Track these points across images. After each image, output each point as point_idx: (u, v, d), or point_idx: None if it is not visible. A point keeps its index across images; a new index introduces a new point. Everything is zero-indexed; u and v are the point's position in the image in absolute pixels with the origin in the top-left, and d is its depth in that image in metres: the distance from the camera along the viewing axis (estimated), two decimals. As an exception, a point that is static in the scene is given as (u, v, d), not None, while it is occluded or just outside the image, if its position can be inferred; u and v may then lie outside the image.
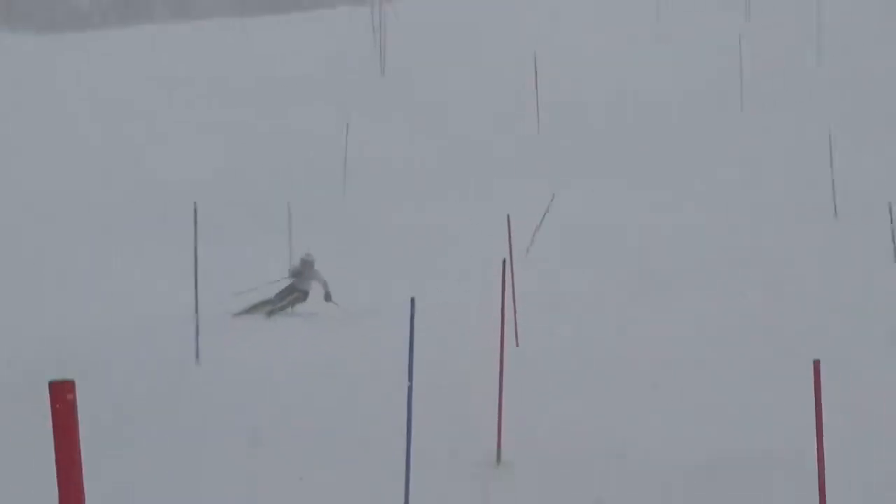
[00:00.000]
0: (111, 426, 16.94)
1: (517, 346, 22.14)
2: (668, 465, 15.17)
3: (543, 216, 33.65)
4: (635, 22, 66.32)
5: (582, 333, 23.14)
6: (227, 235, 33.24)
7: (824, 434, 11.00)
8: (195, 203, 23.30)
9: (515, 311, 22.05)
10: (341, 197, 42.79)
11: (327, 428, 17.45)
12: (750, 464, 14.99)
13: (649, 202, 37.09)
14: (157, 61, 64.16)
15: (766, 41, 59.59)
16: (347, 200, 42.36)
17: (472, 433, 16.45)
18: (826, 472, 11.06)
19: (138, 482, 14.66)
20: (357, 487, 14.60)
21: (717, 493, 14.33)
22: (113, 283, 31.47)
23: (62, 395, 4.70)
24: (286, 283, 29.14)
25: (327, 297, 28.46)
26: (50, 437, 4.74)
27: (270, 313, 28.55)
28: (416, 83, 57.01)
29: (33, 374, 17.37)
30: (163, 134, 51.46)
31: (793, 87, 53.61)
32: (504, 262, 18.78)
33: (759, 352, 21.25)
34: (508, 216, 25.01)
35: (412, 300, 13.27)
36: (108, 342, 23.98)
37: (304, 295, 29.17)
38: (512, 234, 24.96)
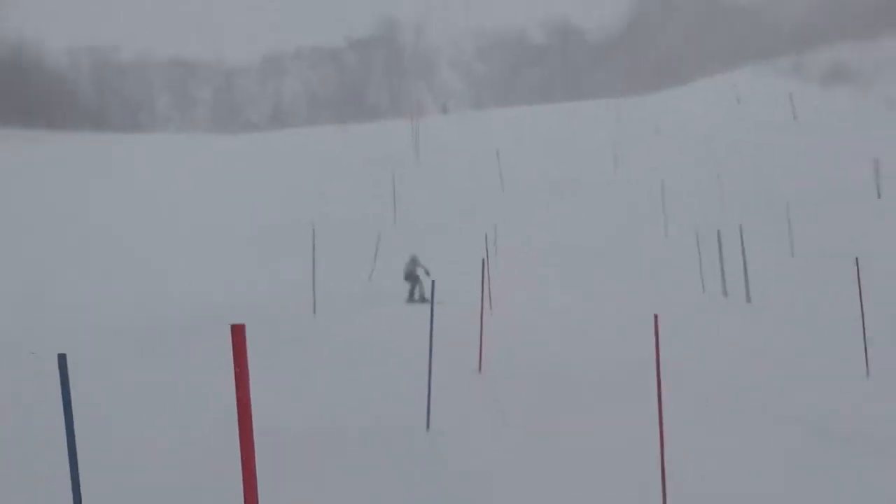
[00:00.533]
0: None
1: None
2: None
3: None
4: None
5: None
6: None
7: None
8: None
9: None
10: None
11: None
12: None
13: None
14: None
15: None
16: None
17: (464, 355, 23.18)
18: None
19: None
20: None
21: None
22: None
23: (239, 333, 5.24)
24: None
25: (426, 273, 36.55)
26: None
27: (418, 300, 36.45)
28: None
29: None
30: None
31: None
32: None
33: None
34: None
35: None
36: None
37: (418, 279, 36.95)
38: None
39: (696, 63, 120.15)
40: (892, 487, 14.27)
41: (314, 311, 31.43)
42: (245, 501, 5.09)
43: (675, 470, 12.63)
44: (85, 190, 59.55)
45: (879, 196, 52.71)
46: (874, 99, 79.31)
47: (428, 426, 17.45)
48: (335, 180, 62.48)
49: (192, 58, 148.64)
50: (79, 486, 7.22)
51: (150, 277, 38.51)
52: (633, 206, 53.83)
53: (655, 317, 12.67)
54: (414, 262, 36.97)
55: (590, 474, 14.47)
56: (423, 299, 35.58)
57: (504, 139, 73.66)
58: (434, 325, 18.67)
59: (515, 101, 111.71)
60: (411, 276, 36.81)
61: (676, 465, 12.75)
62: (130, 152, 74.05)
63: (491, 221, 47.38)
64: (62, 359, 6.93)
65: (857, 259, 25.64)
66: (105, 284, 37.19)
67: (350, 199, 55.18)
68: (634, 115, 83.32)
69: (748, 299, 34.35)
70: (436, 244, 43.44)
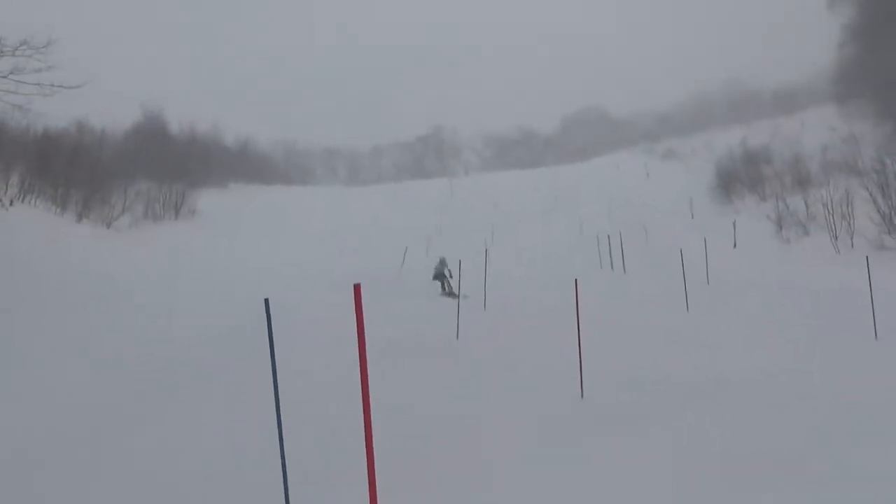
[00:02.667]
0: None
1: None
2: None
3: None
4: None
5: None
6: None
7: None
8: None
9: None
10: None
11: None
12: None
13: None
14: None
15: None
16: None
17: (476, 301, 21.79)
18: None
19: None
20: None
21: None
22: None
23: (358, 291, 4.75)
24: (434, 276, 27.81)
25: (450, 274, 27.33)
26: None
27: (448, 294, 26.22)
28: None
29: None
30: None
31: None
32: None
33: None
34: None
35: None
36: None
37: (445, 277, 27.32)
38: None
39: (595, 148, 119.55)
40: (700, 363, 14.18)
41: (399, 273, 31.21)
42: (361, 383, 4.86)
43: (586, 359, 12.53)
44: (280, 215, 59.81)
45: (693, 217, 52.42)
46: (687, 166, 79.08)
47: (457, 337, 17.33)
48: (409, 211, 62.62)
49: (335, 146, 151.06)
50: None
51: (314, 256, 38.34)
52: (563, 224, 53.70)
53: (576, 280, 12.67)
54: (442, 263, 28.05)
55: (536, 358, 14.67)
56: (451, 294, 26.29)
57: (497, 188, 73.89)
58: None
59: (503, 169, 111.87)
60: (440, 276, 27.65)
61: (586, 357, 12.62)
62: (301, 196, 74.58)
63: (489, 232, 47.44)
64: (266, 302, 6.49)
65: (681, 250, 25.57)
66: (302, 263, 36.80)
67: (416, 219, 55.14)
68: (564, 177, 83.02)
69: (624, 272, 34.15)
70: (459, 243, 43.12)
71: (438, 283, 27.81)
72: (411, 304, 23.73)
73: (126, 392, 12.50)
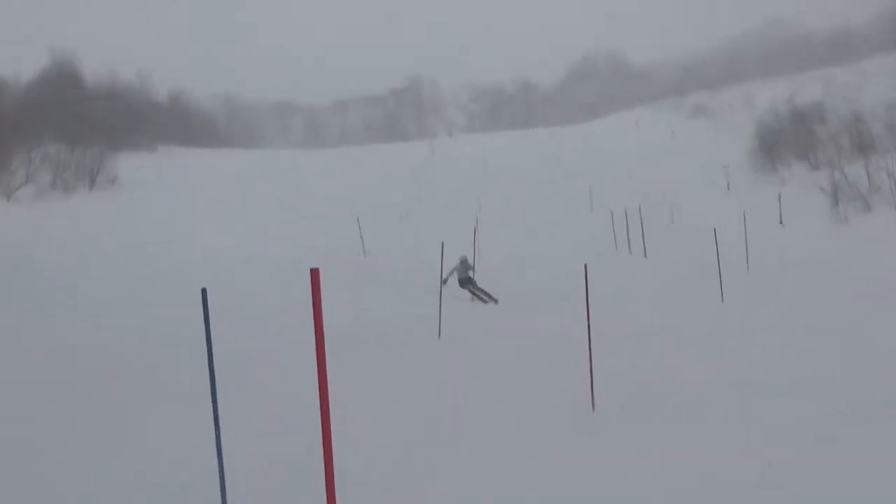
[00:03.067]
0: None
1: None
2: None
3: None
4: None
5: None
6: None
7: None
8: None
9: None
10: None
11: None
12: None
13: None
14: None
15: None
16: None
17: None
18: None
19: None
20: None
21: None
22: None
23: (316, 276, 4.87)
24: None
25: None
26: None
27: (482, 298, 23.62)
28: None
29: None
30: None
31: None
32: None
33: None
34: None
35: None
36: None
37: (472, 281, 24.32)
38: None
39: (609, 104, 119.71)
40: (737, 365, 14.21)
41: (364, 254, 31.17)
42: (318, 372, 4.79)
43: (598, 363, 12.49)
44: (223, 184, 59.54)
45: (728, 188, 52.55)
46: (720, 126, 79.39)
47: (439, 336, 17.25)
48: (381, 178, 62.49)
49: (288, 99, 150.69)
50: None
51: (265, 234, 38.12)
52: (569, 195, 53.75)
53: (585, 266, 12.62)
54: (465, 265, 25.15)
55: (535, 360, 14.68)
56: (484, 298, 24.37)
57: (487, 152, 73.86)
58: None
59: (494, 129, 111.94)
60: (466, 281, 24.88)
61: (598, 361, 12.57)
62: (249, 161, 74.32)
63: (477, 201, 47.46)
64: (204, 292, 6.53)
65: (714, 229, 25.59)
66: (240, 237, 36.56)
67: (391, 188, 55.02)
68: (569, 139, 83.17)
69: (645, 255, 34.21)
70: (443, 216, 43.06)
71: (465, 290, 24.91)
72: (382, 292, 23.67)
73: (37, 399, 12.39)
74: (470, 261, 25.58)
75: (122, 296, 22.24)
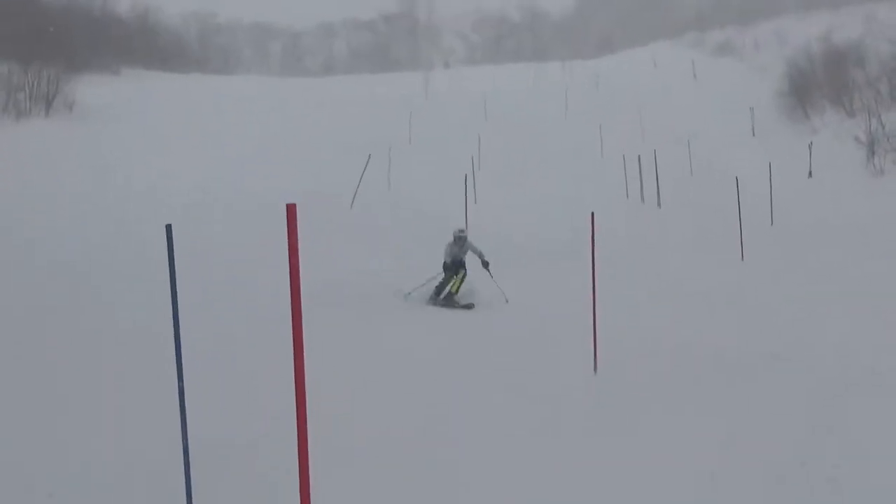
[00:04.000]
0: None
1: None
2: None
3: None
4: None
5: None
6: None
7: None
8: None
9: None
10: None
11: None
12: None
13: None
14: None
15: None
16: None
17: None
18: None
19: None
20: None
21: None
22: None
23: (292, 212, 4.73)
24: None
25: (485, 265, 18.22)
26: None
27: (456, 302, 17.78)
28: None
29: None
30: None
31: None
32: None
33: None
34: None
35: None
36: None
37: (464, 268, 18.27)
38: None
39: (624, 38, 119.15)
40: (755, 333, 14.25)
41: (351, 206, 31.01)
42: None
43: (603, 321, 12.49)
44: (193, 113, 59.06)
45: (754, 134, 52.40)
46: (748, 65, 79.02)
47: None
48: (368, 113, 62.08)
49: (268, 22, 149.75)
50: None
51: (238, 172, 37.84)
52: (578, 137, 53.47)
53: (592, 214, 12.58)
54: (459, 244, 18.84)
55: (535, 318, 14.68)
56: (460, 303, 18.31)
57: (488, 87, 73.43)
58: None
59: (497, 61, 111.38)
60: (456, 265, 18.71)
61: (604, 319, 12.57)
62: (223, 89, 73.75)
63: (476, 143, 47.17)
64: (168, 228, 6.45)
65: (736, 178, 25.52)
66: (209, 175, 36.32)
67: (379, 125, 54.62)
68: (580, 74, 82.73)
69: (659, 205, 34.14)
70: (435, 161, 42.80)
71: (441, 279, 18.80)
72: (365, 242, 23.61)
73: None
74: (465, 234, 19.00)
75: (79, 229, 22.10)
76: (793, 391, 11.37)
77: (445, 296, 18.22)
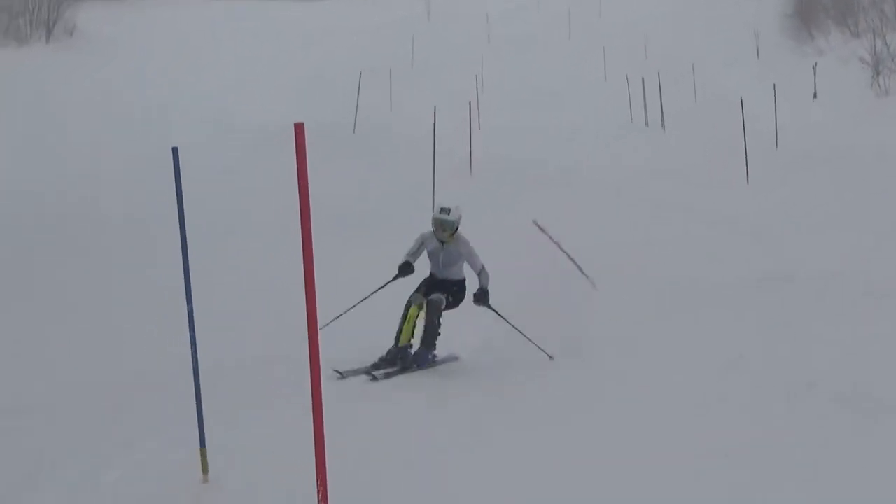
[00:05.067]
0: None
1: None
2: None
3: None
4: None
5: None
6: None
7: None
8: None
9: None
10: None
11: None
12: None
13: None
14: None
15: None
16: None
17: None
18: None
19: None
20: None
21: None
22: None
23: (301, 131, 4.47)
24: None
25: (481, 298, 10.08)
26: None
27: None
28: None
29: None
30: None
31: None
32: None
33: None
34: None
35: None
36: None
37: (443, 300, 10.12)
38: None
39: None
40: (759, 256, 14.26)
41: (354, 131, 30.84)
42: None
43: (602, 246, 12.47)
44: (193, 39, 58.50)
45: (758, 57, 51.96)
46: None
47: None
48: (369, 37, 61.50)
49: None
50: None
51: (239, 97, 37.53)
52: (580, 61, 52.98)
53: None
54: (445, 231, 10.09)
55: (534, 241, 14.70)
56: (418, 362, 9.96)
57: (492, 9, 72.58)
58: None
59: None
60: (436, 284, 10.30)
61: (603, 244, 12.57)
62: (223, 14, 72.71)
63: (479, 65, 46.79)
64: (175, 151, 6.35)
65: (741, 101, 25.36)
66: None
67: (380, 50, 54.08)
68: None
69: (663, 127, 33.94)
70: (437, 84, 42.40)
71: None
72: (369, 167, 23.55)
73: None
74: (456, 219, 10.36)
75: (84, 157, 22.03)
76: (798, 312, 11.37)
77: (396, 354, 9.90)
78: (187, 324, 6.58)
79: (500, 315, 10.15)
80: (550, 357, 9.86)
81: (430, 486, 6.46)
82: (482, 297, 10.02)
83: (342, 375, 9.27)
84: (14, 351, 9.55)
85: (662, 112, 34.93)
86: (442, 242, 10.19)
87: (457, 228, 10.12)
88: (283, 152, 5.46)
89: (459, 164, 23.70)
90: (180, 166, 6.34)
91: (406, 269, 10.22)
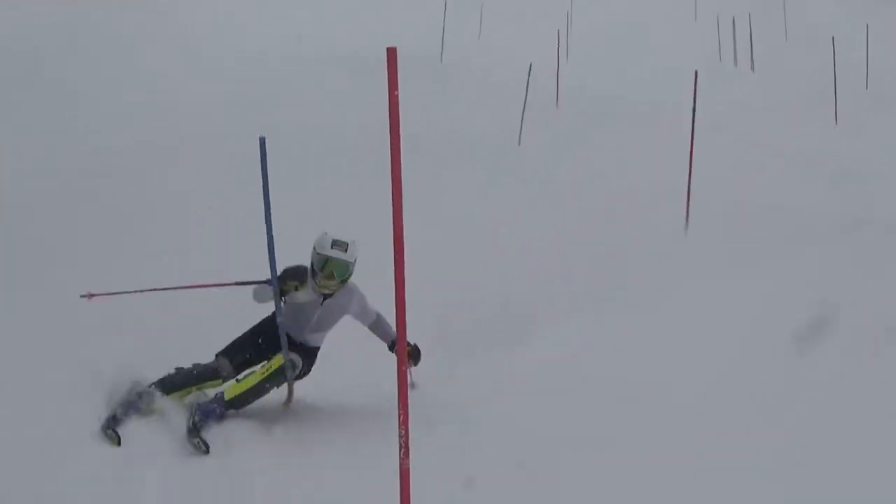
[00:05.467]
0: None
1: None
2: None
3: None
4: None
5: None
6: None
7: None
8: None
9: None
10: None
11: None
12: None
13: None
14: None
15: None
16: None
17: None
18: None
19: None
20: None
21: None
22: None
23: (393, 55, 4.32)
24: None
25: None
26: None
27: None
28: None
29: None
30: None
31: None
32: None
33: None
34: None
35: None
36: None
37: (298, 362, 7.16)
38: None
39: None
40: (846, 197, 14.13)
41: (441, 60, 30.68)
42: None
43: (695, 182, 12.47)
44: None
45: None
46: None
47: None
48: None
49: None
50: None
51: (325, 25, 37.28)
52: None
53: (696, 72, 12.46)
54: (333, 267, 7.00)
55: (627, 177, 14.70)
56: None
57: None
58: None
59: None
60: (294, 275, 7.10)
61: (696, 181, 12.55)
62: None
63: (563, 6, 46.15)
64: (262, 142, 6.40)
65: (833, 38, 24.91)
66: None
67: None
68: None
69: (752, 68, 33.39)
70: (519, 22, 41.68)
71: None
72: (458, 97, 23.45)
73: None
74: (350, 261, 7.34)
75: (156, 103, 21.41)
76: (882, 255, 11.23)
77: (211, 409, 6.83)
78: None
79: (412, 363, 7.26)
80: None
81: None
82: (418, 356, 7.35)
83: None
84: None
85: (752, 53, 34.38)
86: (324, 296, 7.17)
87: (351, 274, 7.14)
88: (375, 77, 5.47)
89: (546, 96, 23.52)
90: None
91: (295, 275, 7.10)
